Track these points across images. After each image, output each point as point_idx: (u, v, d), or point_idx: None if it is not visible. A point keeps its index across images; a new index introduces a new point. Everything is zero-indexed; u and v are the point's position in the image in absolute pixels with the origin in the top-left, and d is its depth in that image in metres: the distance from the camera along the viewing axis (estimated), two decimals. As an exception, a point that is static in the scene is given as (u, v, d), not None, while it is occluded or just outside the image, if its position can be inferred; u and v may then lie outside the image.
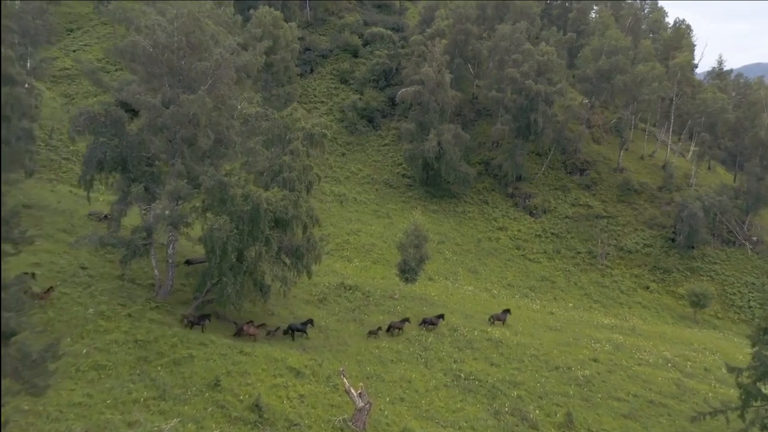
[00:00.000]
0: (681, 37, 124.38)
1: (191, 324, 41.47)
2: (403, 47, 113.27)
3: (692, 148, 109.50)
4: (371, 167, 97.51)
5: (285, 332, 45.37)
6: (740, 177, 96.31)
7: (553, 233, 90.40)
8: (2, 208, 24.43)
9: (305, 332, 45.87)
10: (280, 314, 49.86)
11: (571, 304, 74.33)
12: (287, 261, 46.60)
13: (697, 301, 76.86)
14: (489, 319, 57.02)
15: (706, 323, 78.03)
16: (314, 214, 46.19)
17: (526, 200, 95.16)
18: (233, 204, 40.16)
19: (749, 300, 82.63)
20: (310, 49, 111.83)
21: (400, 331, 50.51)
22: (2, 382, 22.98)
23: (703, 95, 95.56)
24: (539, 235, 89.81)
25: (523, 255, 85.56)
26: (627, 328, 64.94)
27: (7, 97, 38.82)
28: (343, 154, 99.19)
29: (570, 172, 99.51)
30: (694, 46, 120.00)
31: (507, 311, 57.73)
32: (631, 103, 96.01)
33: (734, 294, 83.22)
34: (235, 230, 39.92)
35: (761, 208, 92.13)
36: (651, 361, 52.82)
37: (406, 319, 51.58)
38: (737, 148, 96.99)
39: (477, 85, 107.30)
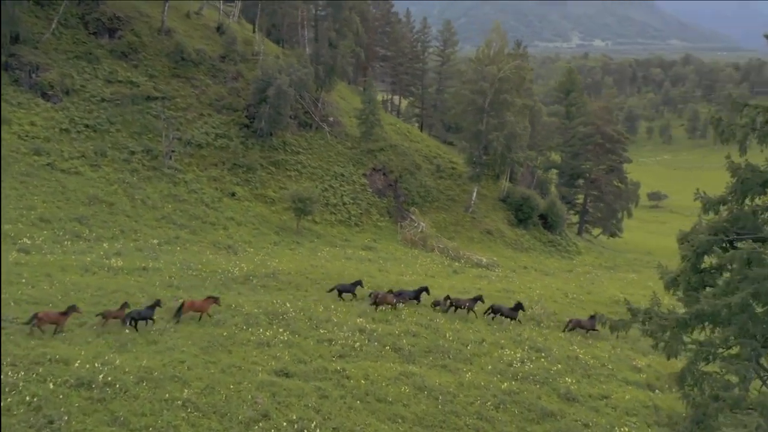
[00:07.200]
0: None
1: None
2: None
3: (237, 7, 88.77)
4: None
5: None
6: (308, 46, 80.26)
7: (88, 126, 59.38)
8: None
9: None
10: None
11: (155, 240, 47.50)
12: None
13: (303, 208, 59.56)
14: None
15: (309, 233, 61.72)
16: None
17: (34, 75, 60.37)
18: None
19: (342, 195, 69.52)
20: None
21: None
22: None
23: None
24: (67, 130, 57.73)
25: (49, 165, 52.91)
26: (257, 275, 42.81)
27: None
28: None
29: (95, 33, 67.48)
30: None
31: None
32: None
33: (326, 190, 68.83)
34: None
35: (334, 83, 78.73)
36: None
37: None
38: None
39: None
